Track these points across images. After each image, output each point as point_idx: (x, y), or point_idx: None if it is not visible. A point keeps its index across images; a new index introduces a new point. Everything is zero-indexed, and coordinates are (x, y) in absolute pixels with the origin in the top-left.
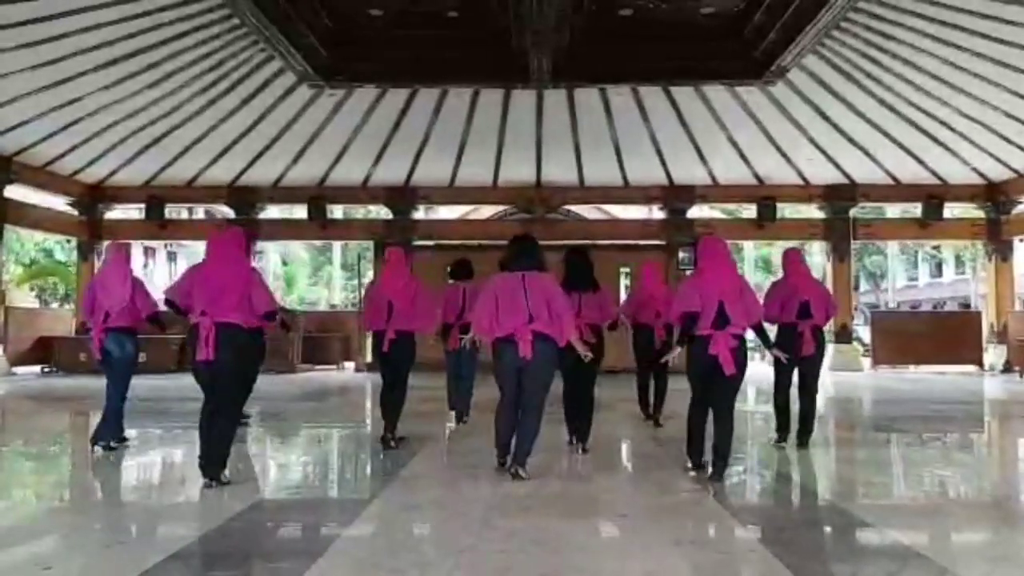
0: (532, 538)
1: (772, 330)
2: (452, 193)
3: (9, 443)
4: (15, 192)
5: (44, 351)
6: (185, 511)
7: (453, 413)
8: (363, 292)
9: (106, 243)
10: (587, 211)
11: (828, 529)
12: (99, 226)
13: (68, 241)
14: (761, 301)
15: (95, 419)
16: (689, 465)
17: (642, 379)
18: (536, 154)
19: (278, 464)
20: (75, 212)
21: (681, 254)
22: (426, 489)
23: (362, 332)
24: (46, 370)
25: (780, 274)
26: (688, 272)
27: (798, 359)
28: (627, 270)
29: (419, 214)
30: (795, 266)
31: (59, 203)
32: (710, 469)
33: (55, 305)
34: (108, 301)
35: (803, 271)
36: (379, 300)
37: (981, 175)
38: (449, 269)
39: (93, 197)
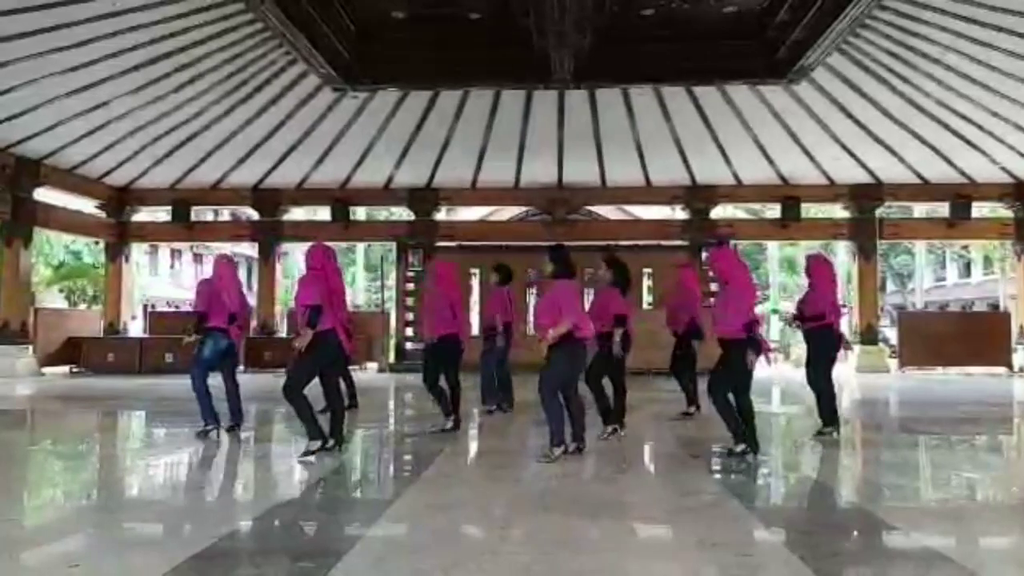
0: (554, 539)
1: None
2: (474, 194)
3: (39, 443)
4: (44, 195)
5: (73, 352)
6: (211, 510)
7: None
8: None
9: (215, 252)
10: (609, 211)
11: (853, 532)
12: (126, 228)
13: (96, 243)
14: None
15: (123, 419)
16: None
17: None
18: (558, 155)
19: (303, 463)
20: (103, 214)
21: (704, 255)
22: (449, 489)
23: (386, 334)
24: (75, 370)
25: (802, 274)
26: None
27: None
28: (649, 271)
29: (441, 215)
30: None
31: (87, 206)
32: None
33: (83, 306)
34: (233, 306)
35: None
36: (443, 307)
37: (1010, 174)
38: (498, 274)
39: (121, 200)
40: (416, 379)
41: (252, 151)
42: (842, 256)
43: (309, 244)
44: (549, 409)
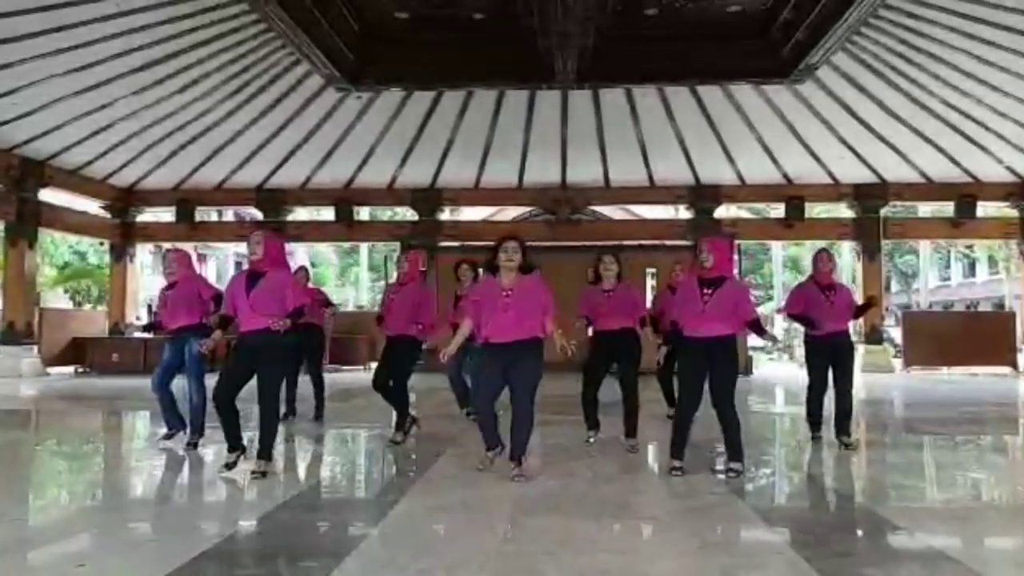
0: (558, 539)
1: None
2: (477, 194)
3: (43, 442)
4: (49, 196)
5: (77, 352)
6: (214, 510)
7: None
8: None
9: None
10: (612, 211)
11: (858, 532)
12: (131, 229)
13: (101, 244)
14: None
15: (127, 419)
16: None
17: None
18: (561, 155)
19: (305, 464)
20: (108, 215)
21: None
22: (452, 490)
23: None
24: (79, 371)
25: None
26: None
27: None
28: (653, 271)
29: (444, 215)
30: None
31: (92, 206)
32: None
33: (88, 307)
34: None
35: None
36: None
37: (1015, 173)
38: (473, 272)
39: (125, 200)
40: (417, 380)
41: (256, 152)
42: (846, 256)
43: (258, 234)
44: (531, 417)
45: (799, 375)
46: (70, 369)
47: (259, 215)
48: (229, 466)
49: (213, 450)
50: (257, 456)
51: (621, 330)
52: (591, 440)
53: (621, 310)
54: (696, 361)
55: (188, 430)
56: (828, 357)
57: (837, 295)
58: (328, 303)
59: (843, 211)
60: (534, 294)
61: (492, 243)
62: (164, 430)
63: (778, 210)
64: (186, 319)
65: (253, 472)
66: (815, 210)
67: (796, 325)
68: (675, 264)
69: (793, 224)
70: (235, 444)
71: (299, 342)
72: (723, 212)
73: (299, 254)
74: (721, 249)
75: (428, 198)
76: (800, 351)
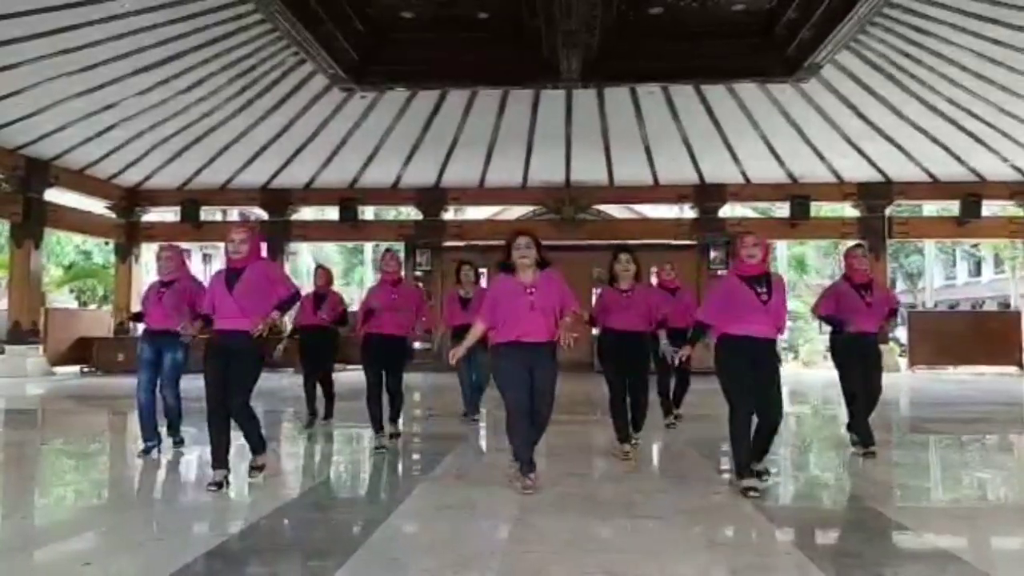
0: (566, 539)
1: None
2: (482, 194)
3: (49, 442)
4: (55, 196)
5: (83, 351)
6: (221, 509)
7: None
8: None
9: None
10: (617, 211)
11: (864, 532)
12: (136, 229)
13: (106, 243)
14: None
15: (132, 419)
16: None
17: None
18: (566, 154)
19: (311, 463)
20: (113, 215)
21: (712, 253)
22: (458, 489)
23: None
24: (85, 370)
25: (813, 274)
26: (720, 272)
27: None
28: (656, 270)
29: (449, 215)
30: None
31: (98, 206)
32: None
33: (93, 306)
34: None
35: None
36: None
37: (1021, 172)
38: (474, 272)
39: (130, 200)
40: (422, 379)
41: (261, 151)
42: None
43: (243, 232)
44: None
45: (805, 375)
46: (75, 368)
47: (264, 215)
48: (218, 485)
49: (209, 449)
50: (252, 453)
51: (629, 332)
52: (628, 455)
53: (638, 312)
54: (748, 363)
55: (169, 432)
56: (858, 356)
57: (874, 294)
58: (343, 321)
59: (848, 210)
60: (555, 288)
61: (502, 242)
62: (165, 430)
63: (783, 209)
64: (173, 322)
65: (252, 468)
66: (820, 209)
67: (801, 324)
68: (666, 263)
69: (798, 223)
70: (222, 463)
71: (317, 342)
72: (727, 211)
73: (303, 254)
74: (766, 245)
75: (433, 197)
76: (807, 351)
